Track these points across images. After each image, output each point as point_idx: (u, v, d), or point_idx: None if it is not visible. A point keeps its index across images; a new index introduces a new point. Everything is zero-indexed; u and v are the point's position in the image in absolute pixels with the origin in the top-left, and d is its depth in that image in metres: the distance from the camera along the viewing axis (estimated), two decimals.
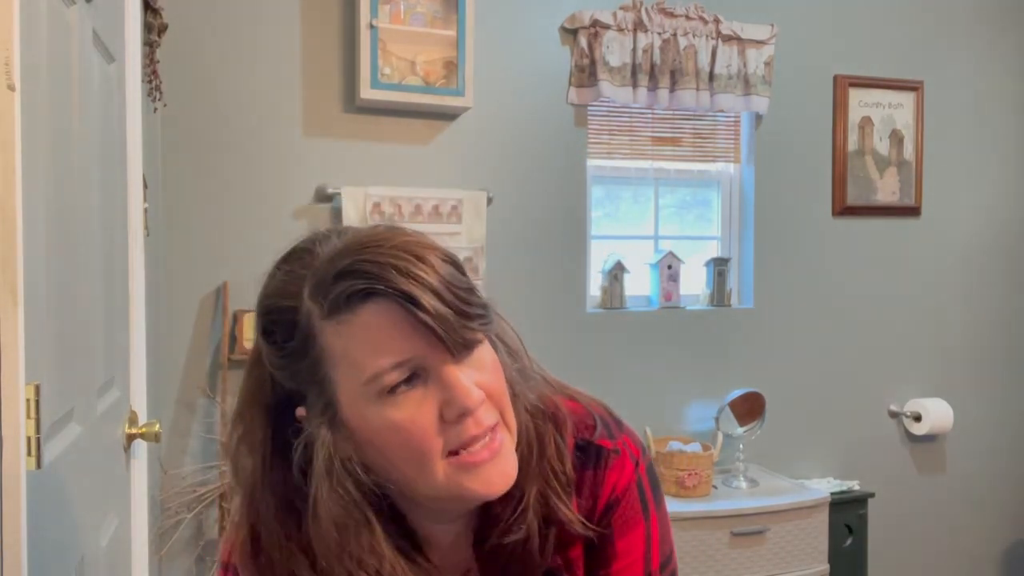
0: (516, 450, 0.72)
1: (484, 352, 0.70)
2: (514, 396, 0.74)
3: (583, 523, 0.75)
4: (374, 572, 0.69)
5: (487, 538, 0.75)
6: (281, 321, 0.70)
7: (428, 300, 0.65)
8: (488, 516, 0.75)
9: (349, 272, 0.65)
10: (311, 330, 0.68)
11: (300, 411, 0.71)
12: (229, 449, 0.76)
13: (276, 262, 0.74)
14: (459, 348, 0.67)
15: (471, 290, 0.68)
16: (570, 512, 0.74)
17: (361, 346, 0.66)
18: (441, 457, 0.68)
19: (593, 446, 0.78)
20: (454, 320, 0.66)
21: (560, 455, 0.76)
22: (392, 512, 0.74)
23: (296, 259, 0.72)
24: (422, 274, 0.65)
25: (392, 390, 0.66)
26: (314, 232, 0.74)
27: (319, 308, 0.67)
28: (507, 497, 0.72)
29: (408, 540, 0.74)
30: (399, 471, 0.69)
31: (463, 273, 0.69)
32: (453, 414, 0.67)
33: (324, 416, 0.69)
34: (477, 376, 0.69)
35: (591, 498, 0.77)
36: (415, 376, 0.67)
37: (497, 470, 0.69)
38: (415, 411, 0.67)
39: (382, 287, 0.65)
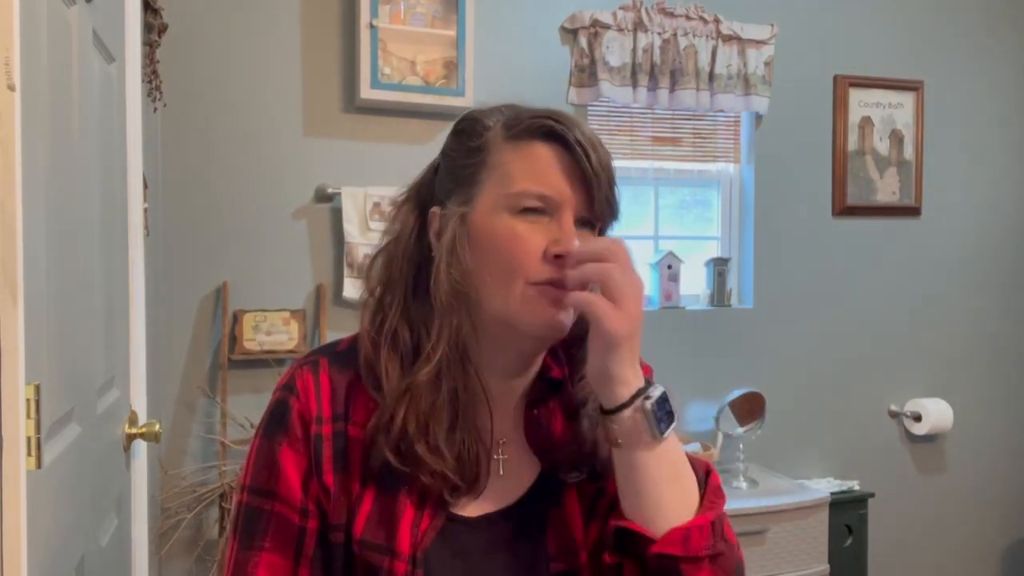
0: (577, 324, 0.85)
1: (590, 238, 0.85)
2: None
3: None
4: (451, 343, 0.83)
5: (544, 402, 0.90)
6: (473, 129, 0.86)
7: (596, 161, 0.81)
8: (548, 379, 0.90)
9: (545, 117, 0.83)
10: (490, 142, 0.84)
11: (435, 210, 0.87)
12: (378, 247, 0.90)
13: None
14: (594, 213, 0.83)
15: (615, 190, 0.85)
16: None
17: (523, 167, 0.82)
18: (526, 281, 0.80)
19: None
20: (604, 189, 0.82)
21: None
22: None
23: (500, 105, 0.89)
24: (599, 149, 0.83)
25: (524, 210, 0.81)
26: None
27: (505, 131, 0.84)
28: (570, 360, 0.89)
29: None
30: (489, 276, 0.82)
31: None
32: (555, 251, 0.80)
33: (461, 208, 0.84)
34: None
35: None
36: (544, 210, 0.82)
37: (559, 315, 0.81)
38: (531, 231, 0.81)
39: (570, 136, 0.81)
